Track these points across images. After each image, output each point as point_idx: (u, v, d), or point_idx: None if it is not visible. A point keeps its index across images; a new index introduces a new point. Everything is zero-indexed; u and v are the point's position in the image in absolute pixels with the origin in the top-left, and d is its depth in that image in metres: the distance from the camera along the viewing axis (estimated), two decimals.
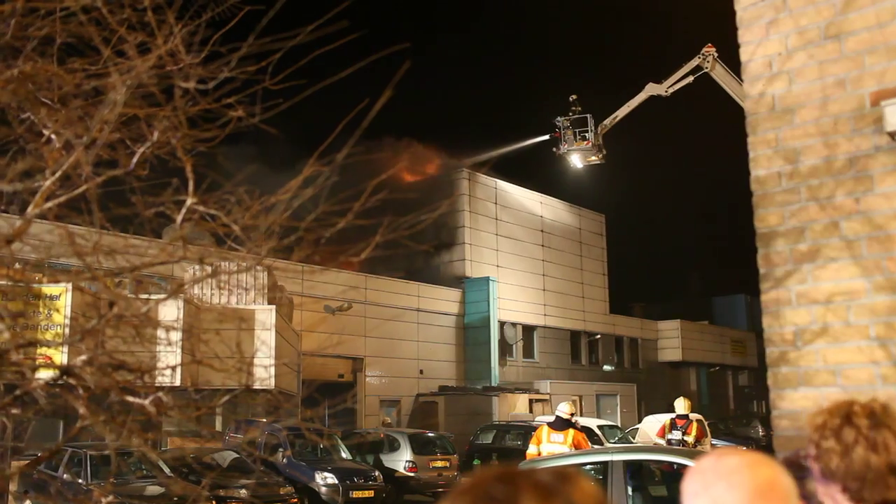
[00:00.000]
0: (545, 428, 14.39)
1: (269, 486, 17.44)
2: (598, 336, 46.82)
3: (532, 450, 14.24)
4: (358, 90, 3.79)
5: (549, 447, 13.88)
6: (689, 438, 16.00)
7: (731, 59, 33.70)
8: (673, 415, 16.74)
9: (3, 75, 3.33)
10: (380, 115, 3.42)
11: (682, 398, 17.16)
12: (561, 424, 14.20)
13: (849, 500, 2.11)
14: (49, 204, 3.25)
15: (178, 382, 5.75)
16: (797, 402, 3.96)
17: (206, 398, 4.30)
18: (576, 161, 39.72)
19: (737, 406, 53.18)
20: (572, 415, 14.40)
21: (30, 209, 3.29)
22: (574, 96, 39.18)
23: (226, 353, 3.94)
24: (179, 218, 3.25)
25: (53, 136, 3.53)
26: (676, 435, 16.27)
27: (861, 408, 2.14)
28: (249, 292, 18.40)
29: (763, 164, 4.26)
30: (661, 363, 50.59)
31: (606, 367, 46.75)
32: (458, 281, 39.11)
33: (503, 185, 42.15)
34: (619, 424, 33.01)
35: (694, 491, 1.71)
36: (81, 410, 2.69)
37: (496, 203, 41.70)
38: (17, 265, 3.63)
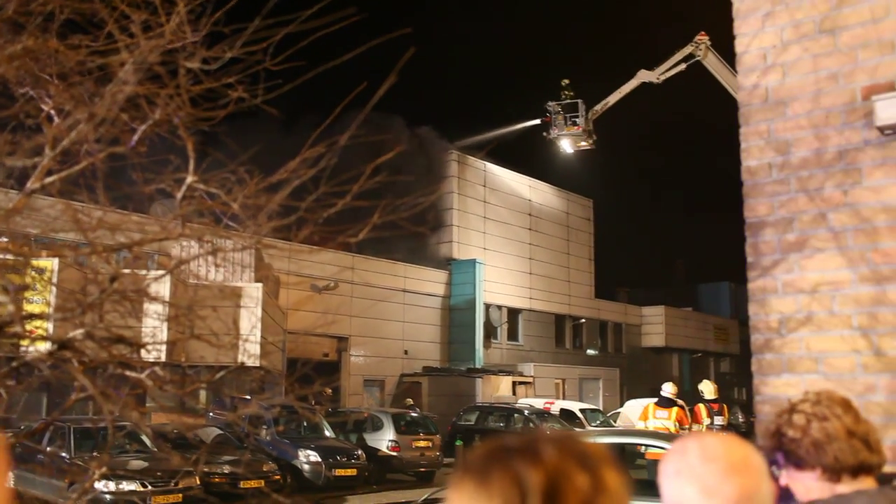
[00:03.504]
0: (651, 405, 15.97)
1: (253, 463, 17.53)
2: (583, 320, 47.06)
3: (640, 425, 15.93)
4: (358, 70, 3.83)
5: (655, 423, 15.42)
6: (722, 420, 16.46)
7: (724, 48, 33.77)
8: (654, 399, 16.83)
9: (5, 50, 3.34)
10: (368, 96, 3.47)
11: (708, 381, 17.58)
12: (666, 402, 15.70)
13: (826, 482, 2.21)
14: (49, 179, 3.28)
15: (167, 357, 5.80)
16: (780, 388, 4.05)
17: (197, 374, 4.34)
18: (566, 146, 39.76)
19: (718, 392, 53.62)
20: (675, 394, 15.84)
21: (29, 183, 3.32)
22: (566, 81, 39.18)
23: (214, 329, 3.99)
24: (179, 195, 3.28)
25: (53, 112, 3.55)
26: (719, 420, 16.66)
27: (799, 399, 2.34)
28: (246, 270, 18.39)
29: (754, 155, 4.32)
30: (644, 348, 50.93)
31: (590, 352, 47.04)
32: (445, 263, 39.18)
33: (492, 168, 42.17)
34: (602, 408, 33.25)
35: (674, 470, 1.78)
36: (84, 382, 2.73)
37: (485, 186, 41.72)
38: (7, 239, 3.65)
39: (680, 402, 16.14)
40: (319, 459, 19.55)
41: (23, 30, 3.54)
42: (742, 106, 4.44)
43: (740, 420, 34.54)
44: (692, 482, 1.73)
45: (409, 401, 30.69)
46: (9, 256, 3.11)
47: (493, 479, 1.08)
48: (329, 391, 28.28)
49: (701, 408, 16.69)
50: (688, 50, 35.44)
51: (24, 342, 3.10)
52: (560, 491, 1.08)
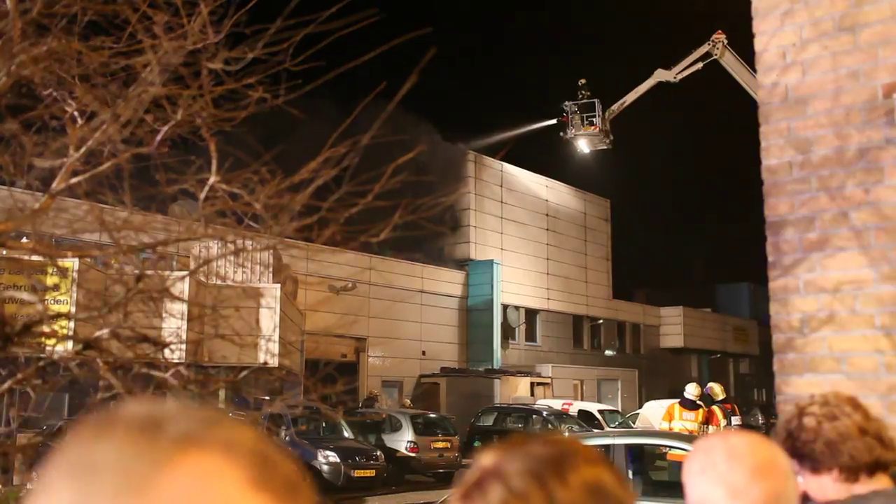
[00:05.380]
0: (676, 406, 15.83)
1: None
2: (601, 321, 46.92)
3: (664, 426, 15.75)
4: (376, 68, 3.85)
5: (681, 424, 15.35)
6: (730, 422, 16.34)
7: (741, 47, 33.61)
8: (676, 400, 16.72)
9: (30, 52, 3.38)
10: (386, 97, 3.48)
11: (714, 383, 17.44)
12: (690, 404, 15.65)
13: (844, 482, 2.20)
14: (75, 179, 3.31)
15: (189, 357, 5.84)
16: (802, 388, 4.03)
17: (218, 374, 4.37)
18: (583, 146, 39.68)
19: (737, 394, 53.31)
20: (699, 396, 15.76)
21: (55, 184, 3.36)
22: (582, 80, 39.10)
23: (236, 329, 4.02)
24: (202, 196, 3.31)
25: (76, 114, 3.59)
26: (735, 420, 16.64)
27: (806, 402, 2.33)
28: (266, 271, 18.46)
29: (775, 154, 4.31)
30: (662, 349, 50.71)
31: (608, 352, 46.89)
32: (463, 263, 39.18)
33: (509, 168, 42.13)
34: (620, 409, 33.15)
35: (698, 469, 1.77)
36: (112, 381, 2.77)
37: (502, 186, 41.69)
38: (33, 239, 3.69)
39: (701, 403, 16.00)
40: (339, 460, 19.60)
41: (47, 32, 3.58)
42: (761, 104, 4.43)
43: (760, 422, 34.32)
44: (718, 483, 1.71)
45: (408, 401, 30.81)
46: (35, 257, 3.15)
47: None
48: (371, 395, 28.47)
49: (716, 410, 16.51)
50: (705, 49, 35.29)
51: (50, 342, 3.13)
52: None
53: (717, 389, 17.10)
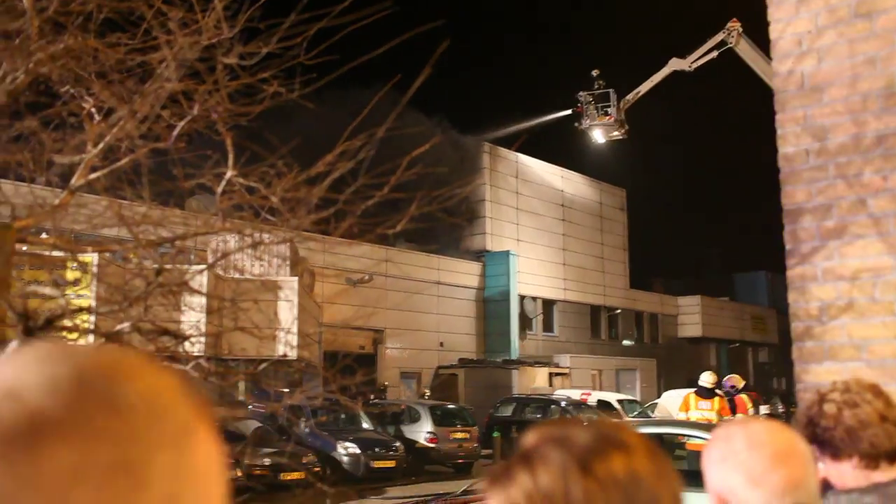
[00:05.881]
0: (692, 395, 15.54)
1: (293, 455, 17.69)
2: (618, 311, 46.82)
3: (681, 416, 15.57)
4: (392, 62, 3.87)
5: (697, 413, 15.09)
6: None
7: (756, 35, 33.36)
8: (693, 390, 16.66)
9: (48, 50, 3.41)
10: (400, 89, 3.49)
11: (733, 375, 17.41)
12: (706, 392, 15.35)
13: (864, 469, 2.20)
14: (93, 175, 3.35)
15: (208, 350, 5.87)
16: (822, 376, 4.02)
17: (237, 366, 4.40)
18: (598, 136, 39.57)
19: (757, 382, 53.10)
20: (714, 384, 15.50)
21: (74, 180, 3.39)
22: (596, 71, 38.98)
23: (253, 323, 4.05)
24: (219, 190, 3.34)
25: (94, 110, 3.63)
26: (764, 409, 16.59)
27: (827, 388, 2.32)
28: (283, 264, 18.52)
29: (791, 142, 4.29)
30: (680, 339, 50.56)
31: (626, 342, 46.79)
32: (479, 254, 39.18)
33: (524, 159, 42.06)
34: (639, 399, 33.08)
35: (717, 457, 1.77)
36: None
37: (517, 177, 41.63)
38: (54, 235, 3.73)
39: (720, 392, 15.92)
40: (359, 451, 19.69)
41: (64, 30, 3.61)
42: (777, 92, 4.40)
43: (780, 410, 34.18)
44: (738, 470, 1.71)
45: (426, 392, 30.95)
46: (56, 252, 3.18)
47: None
48: (381, 387, 28.59)
49: (744, 398, 16.44)
50: (719, 37, 35.08)
51: (72, 335, 3.17)
52: None
53: (737, 379, 17.06)
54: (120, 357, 0.66)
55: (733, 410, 15.80)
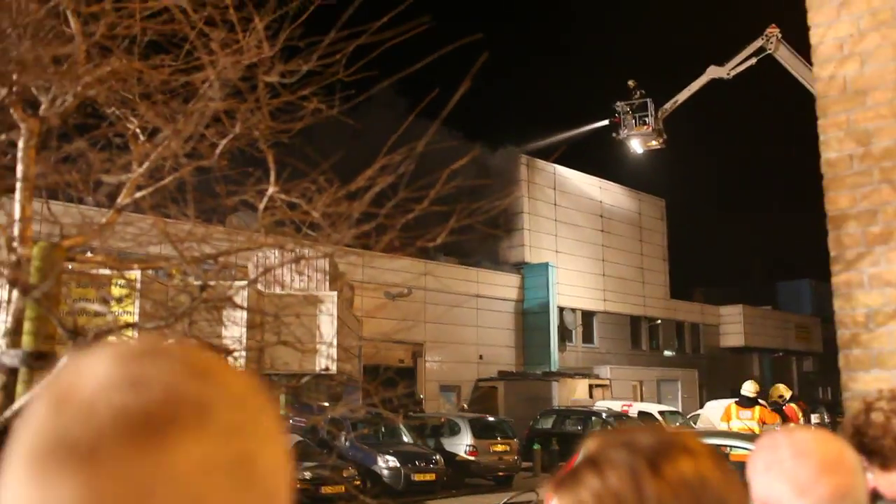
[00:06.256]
0: (733, 406, 15.53)
1: (334, 468, 17.76)
2: (659, 321, 46.40)
3: (722, 427, 15.56)
4: (424, 75, 3.89)
5: (738, 423, 15.09)
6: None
7: (795, 40, 33.02)
8: (735, 400, 16.45)
9: (95, 73, 3.49)
10: (440, 103, 3.51)
11: (779, 385, 17.24)
12: (748, 402, 15.34)
13: None
14: (139, 194, 3.41)
15: (251, 365, 5.93)
16: (869, 383, 3.96)
17: (280, 381, 4.43)
18: (636, 146, 39.40)
19: (801, 392, 52.21)
20: (756, 393, 15.47)
21: (120, 199, 3.46)
22: (633, 81, 38.82)
23: (295, 337, 4.08)
24: (261, 206, 3.39)
25: (138, 130, 3.70)
26: (814, 419, 16.39)
27: (874, 397, 2.29)
28: (322, 278, 18.66)
29: (834, 147, 4.24)
30: (722, 349, 49.95)
31: (667, 353, 46.33)
32: (517, 267, 39.11)
33: (562, 170, 41.95)
34: (681, 410, 32.72)
35: (762, 466, 1.74)
36: None
37: (555, 188, 41.53)
38: (100, 253, 3.81)
39: (762, 402, 15.72)
40: (399, 464, 19.70)
41: (109, 53, 3.70)
42: (819, 98, 4.36)
43: (826, 420, 33.59)
44: (784, 479, 1.69)
45: (464, 404, 30.91)
46: (103, 270, 3.25)
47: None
48: (420, 399, 28.63)
49: (794, 407, 16.22)
50: (758, 44, 34.79)
51: None
52: None
53: (782, 389, 16.85)
54: (212, 355, 0.68)
55: (784, 420, 15.56)
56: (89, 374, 0.61)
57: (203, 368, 0.64)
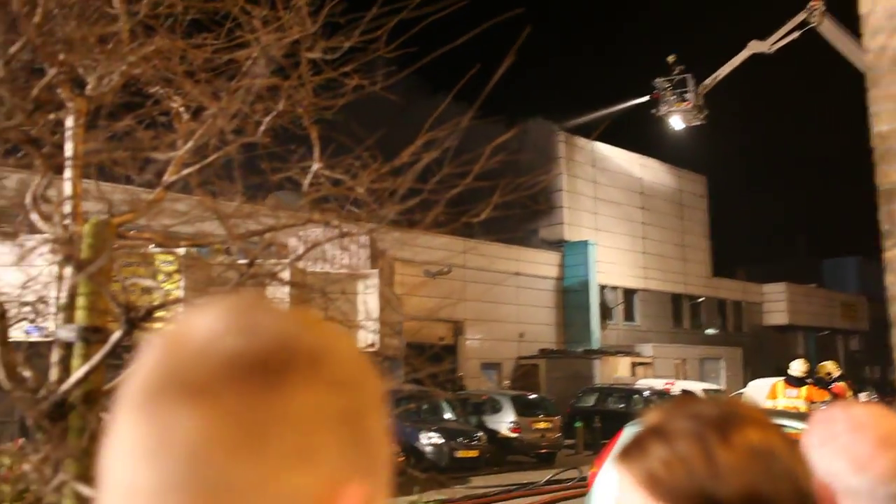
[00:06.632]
0: (780, 383, 15.66)
1: None
2: (701, 299, 45.98)
3: (768, 405, 15.42)
4: (468, 51, 3.88)
5: (784, 402, 15.20)
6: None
7: (840, 12, 32.27)
8: (782, 378, 16.25)
9: (139, 53, 3.53)
10: (479, 80, 3.50)
11: (826, 362, 16.97)
12: (796, 381, 15.38)
13: None
14: (186, 171, 3.45)
15: None
16: None
17: None
18: (676, 122, 38.86)
19: (847, 371, 51.40)
20: (805, 373, 15.53)
21: (166, 176, 3.50)
22: (673, 57, 38.22)
23: (339, 313, 4.12)
24: (306, 182, 3.41)
25: (182, 109, 3.74)
26: (863, 396, 16.22)
27: None
28: (363, 256, 18.73)
29: (885, 120, 4.15)
30: (766, 327, 49.38)
31: (709, 331, 45.92)
32: (557, 245, 38.95)
33: (601, 147, 41.59)
34: (724, 389, 32.46)
35: (818, 442, 1.72)
36: None
37: (594, 166, 41.22)
38: (149, 230, 3.86)
39: (810, 381, 15.50)
40: (442, 441, 19.82)
41: (153, 32, 3.73)
42: (869, 70, 4.26)
43: (875, 399, 33.14)
44: (840, 454, 1.65)
45: (507, 382, 31.00)
46: (152, 247, 3.30)
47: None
48: (460, 377, 28.76)
49: (842, 385, 15.99)
50: (801, 17, 34.03)
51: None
52: None
53: (830, 367, 16.59)
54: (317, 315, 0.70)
55: (833, 398, 15.33)
56: (201, 323, 0.63)
57: (314, 323, 0.65)
